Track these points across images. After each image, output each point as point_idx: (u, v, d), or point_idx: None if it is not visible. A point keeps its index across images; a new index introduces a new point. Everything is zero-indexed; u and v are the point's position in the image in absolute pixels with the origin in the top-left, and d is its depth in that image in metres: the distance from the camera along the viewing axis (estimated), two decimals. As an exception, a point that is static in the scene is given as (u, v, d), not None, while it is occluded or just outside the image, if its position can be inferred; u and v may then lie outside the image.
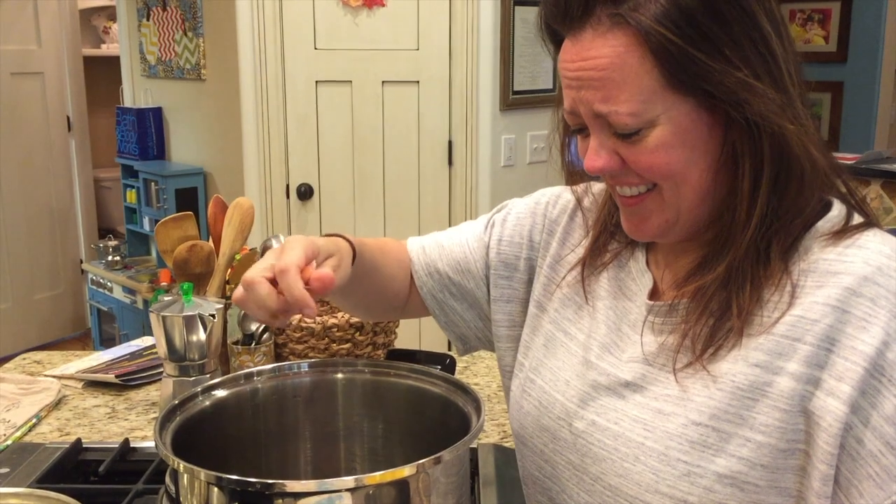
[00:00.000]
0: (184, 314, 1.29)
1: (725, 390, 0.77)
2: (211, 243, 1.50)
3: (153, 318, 1.31)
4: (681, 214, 0.81)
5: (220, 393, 0.84)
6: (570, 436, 0.87)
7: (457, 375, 1.58)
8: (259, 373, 0.87)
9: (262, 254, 1.56)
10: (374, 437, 0.91)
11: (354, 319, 1.42)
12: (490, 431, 1.37)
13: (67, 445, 1.26)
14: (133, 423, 1.41)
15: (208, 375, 1.34)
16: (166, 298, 1.36)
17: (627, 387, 0.84)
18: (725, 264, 0.79)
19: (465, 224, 1.07)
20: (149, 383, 1.56)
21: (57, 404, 1.47)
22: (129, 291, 3.72)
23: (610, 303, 0.91)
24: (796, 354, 0.74)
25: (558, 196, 1.01)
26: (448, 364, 0.96)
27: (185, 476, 0.71)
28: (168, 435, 0.77)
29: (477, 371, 1.62)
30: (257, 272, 0.76)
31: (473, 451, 1.28)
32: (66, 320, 4.59)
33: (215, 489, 0.70)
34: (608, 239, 0.93)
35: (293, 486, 0.69)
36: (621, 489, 0.82)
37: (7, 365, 1.67)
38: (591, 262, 0.94)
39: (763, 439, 0.75)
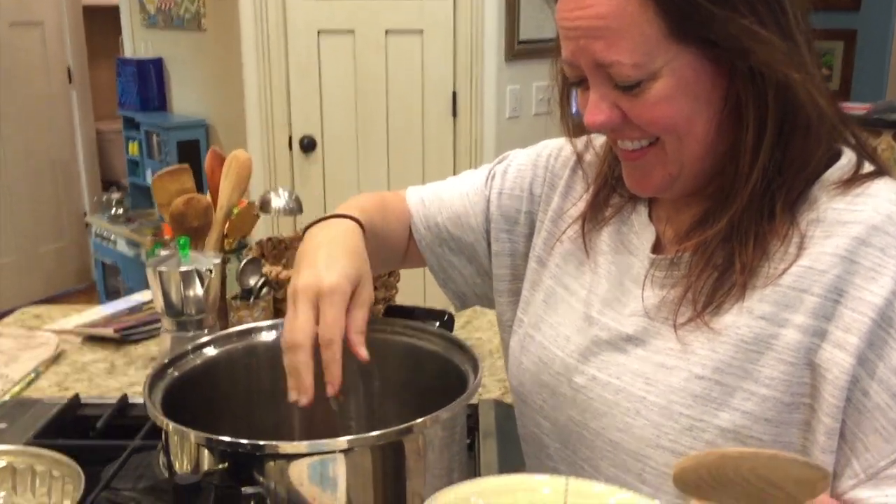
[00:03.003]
0: (181, 269, 1.27)
1: (729, 343, 0.76)
2: (209, 196, 1.48)
3: (150, 273, 1.30)
4: (683, 168, 0.79)
5: (213, 350, 0.83)
6: (571, 391, 0.86)
7: (458, 330, 1.57)
8: (252, 330, 0.86)
9: (261, 207, 1.54)
10: (370, 395, 0.89)
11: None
12: (491, 387, 1.36)
13: (65, 401, 1.25)
14: (132, 379, 1.40)
15: (206, 331, 1.33)
16: (163, 253, 1.34)
17: (629, 341, 0.82)
18: (727, 219, 0.77)
19: (466, 174, 1.05)
20: (148, 338, 1.55)
21: (56, 359, 1.46)
22: (133, 244, 3.71)
23: (612, 258, 0.89)
24: (803, 306, 0.73)
25: (560, 148, 0.99)
26: (446, 320, 0.95)
27: (175, 437, 0.70)
28: (158, 394, 0.76)
29: (479, 326, 1.61)
30: (305, 336, 0.74)
31: (473, 407, 1.26)
32: (71, 273, 4.60)
33: (205, 450, 0.68)
34: (609, 193, 0.91)
35: (285, 447, 0.67)
36: (622, 444, 0.81)
37: (6, 319, 1.66)
38: (593, 217, 0.92)
39: (767, 393, 0.74)
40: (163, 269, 1.28)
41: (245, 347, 0.85)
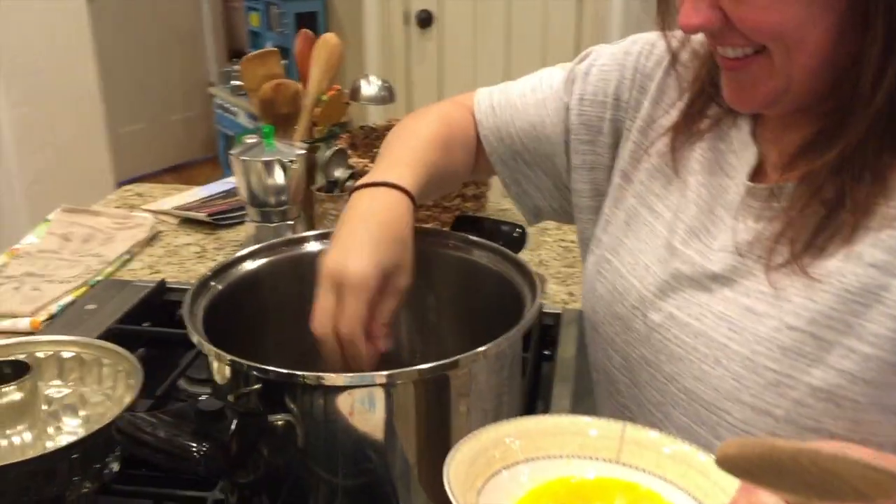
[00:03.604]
0: (263, 159, 1.25)
1: (831, 292, 0.66)
2: (299, 83, 1.43)
3: (234, 161, 1.28)
4: (792, 83, 0.67)
5: (260, 261, 0.79)
6: (645, 328, 0.78)
7: (551, 231, 1.49)
8: (304, 238, 0.82)
9: (351, 95, 1.48)
10: (424, 310, 0.84)
11: (442, 170, 1.34)
12: (579, 295, 1.29)
13: (152, 285, 1.27)
14: (220, 265, 1.41)
15: (291, 222, 1.31)
16: (249, 141, 1.31)
17: (715, 279, 0.73)
18: (841, 146, 0.66)
19: (542, 74, 0.94)
20: (239, 223, 1.54)
21: (150, 241, 1.48)
22: (253, 118, 3.75)
23: (704, 178, 0.78)
24: None
25: (653, 44, 0.86)
26: (519, 235, 0.87)
27: (212, 354, 0.67)
28: (201, 304, 0.73)
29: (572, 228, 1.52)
30: (325, 328, 0.70)
31: (556, 317, 1.21)
32: (199, 142, 4.72)
33: (240, 374, 0.65)
34: (707, 102, 0.79)
35: (318, 378, 0.63)
36: (697, 393, 0.73)
37: (109, 196, 1.70)
38: (686, 129, 0.80)
39: (871, 351, 0.64)
40: (245, 157, 1.25)
41: (297, 256, 0.81)
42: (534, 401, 1.07)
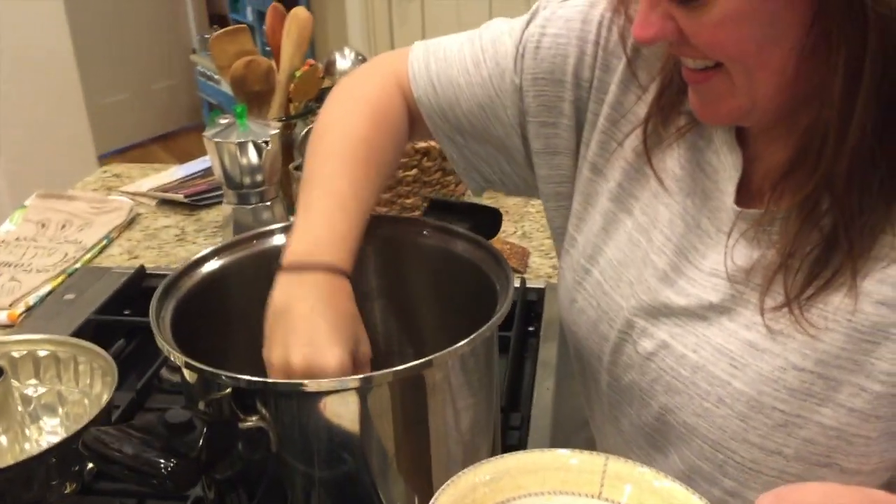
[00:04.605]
0: (235, 140, 1.22)
1: (839, 331, 0.63)
2: (271, 60, 1.40)
3: (207, 143, 1.25)
4: (757, 103, 0.62)
5: (229, 256, 0.77)
6: (636, 355, 0.73)
7: (532, 202, 1.47)
8: (271, 231, 0.80)
9: (326, 70, 1.45)
10: (401, 300, 0.83)
11: (420, 144, 1.32)
12: (563, 268, 1.28)
13: (131, 272, 1.26)
14: (200, 247, 1.39)
15: (268, 203, 1.29)
16: (223, 121, 1.28)
17: (711, 308, 0.69)
18: (821, 172, 0.61)
19: (485, 41, 0.81)
20: (219, 203, 1.52)
21: (129, 224, 1.46)
22: (235, 84, 3.69)
23: (686, 185, 0.71)
24: None
25: (616, 11, 0.75)
26: (494, 221, 0.86)
27: (181, 362, 0.66)
28: (169, 307, 0.72)
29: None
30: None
31: (540, 292, 1.20)
32: (183, 110, 4.66)
33: (211, 381, 0.64)
34: (679, 95, 0.71)
35: (293, 386, 0.63)
36: (699, 430, 0.69)
37: (87, 178, 1.67)
38: (660, 124, 0.72)
39: (882, 389, 0.62)
40: (218, 139, 1.23)
41: (266, 251, 0.79)
42: (521, 368, 1.06)
